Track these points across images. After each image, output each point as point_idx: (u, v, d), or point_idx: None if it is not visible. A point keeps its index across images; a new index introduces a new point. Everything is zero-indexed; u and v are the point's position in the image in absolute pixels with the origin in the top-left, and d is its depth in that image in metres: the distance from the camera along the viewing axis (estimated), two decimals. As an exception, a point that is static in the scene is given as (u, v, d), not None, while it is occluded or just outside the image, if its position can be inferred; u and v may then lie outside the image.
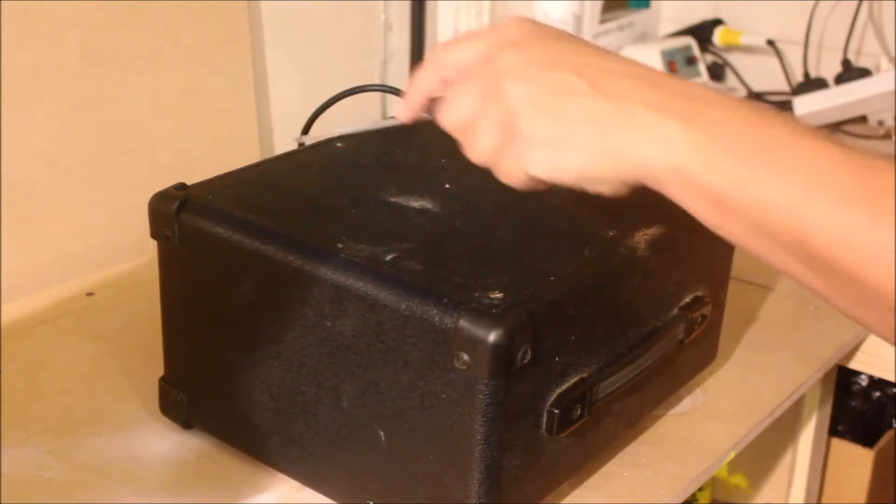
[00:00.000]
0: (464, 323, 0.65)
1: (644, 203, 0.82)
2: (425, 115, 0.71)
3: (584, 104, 0.60)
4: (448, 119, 0.66)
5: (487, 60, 0.63)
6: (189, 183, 0.81)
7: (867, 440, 1.27)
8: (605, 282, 0.74)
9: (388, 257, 0.71)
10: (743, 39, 1.63)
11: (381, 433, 0.71)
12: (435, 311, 0.66)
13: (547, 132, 0.61)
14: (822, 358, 0.99)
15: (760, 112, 0.57)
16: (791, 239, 0.54)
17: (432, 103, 0.70)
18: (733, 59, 1.69)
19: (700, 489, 1.30)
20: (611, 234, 0.76)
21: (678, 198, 0.59)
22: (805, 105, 1.50)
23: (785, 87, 1.60)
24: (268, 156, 1.05)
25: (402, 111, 0.71)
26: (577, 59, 0.61)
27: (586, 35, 1.57)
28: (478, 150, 0.65)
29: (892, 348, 1.03)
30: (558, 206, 0.81)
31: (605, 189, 0.63)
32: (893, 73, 1.48)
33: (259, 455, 0.80)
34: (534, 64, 0.62)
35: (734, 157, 0.56)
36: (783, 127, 0.56)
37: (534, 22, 0.65)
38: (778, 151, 0.55)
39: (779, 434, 1.20)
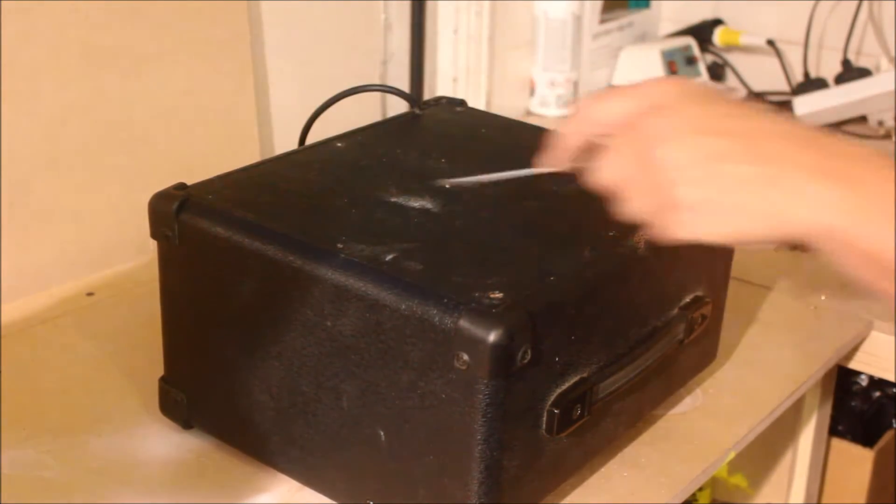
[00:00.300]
0: (464, 323, 0.65)
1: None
2: (574, 166, 0.71)
3: (738, 169, 0.60)
4: (601, 179, 0.66)
5: (639, 123, 0.63)
6: (189, 183, 0.81)
7: (867, 440, 1.27)
8: (605, 282, 0.74)
9: (388, 257, 0.71)
10: (743, 39, 1.64)
11: (381, 433, 0.71)
12: (435, 311, 0.66)
13: (702, 198, 0.61)
14: (822, 358, 0.99)
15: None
16: None
17: (580, 155, 0.70)
18: (733, 59, 1.69)
19: (700, 489, 1.30)
20: (611, 234, 0.76)
21: (835, 256, 0.60)
22: (805, 105, 1.50)
23: (785, 87, 1.60)
24: (268, 156, 1.05)
25: (549, 162, 0.72)
26: (729, 122, 0.62)
27: (586, 35, 1.57)
28: (632, 210, 0.65)
29: (892, 348, 1.03)
30: (558, 206, 0.81)
31: (758, 245, 0.63)
32: (893, 73, 1.48)
33: (259, 455, 0.80)
34: (686, 129, 0.62)
35: (888, 217, 0.57)
36: None
37: (682, 82, 0.65)
38: None
39: (779, 434, 1.20)
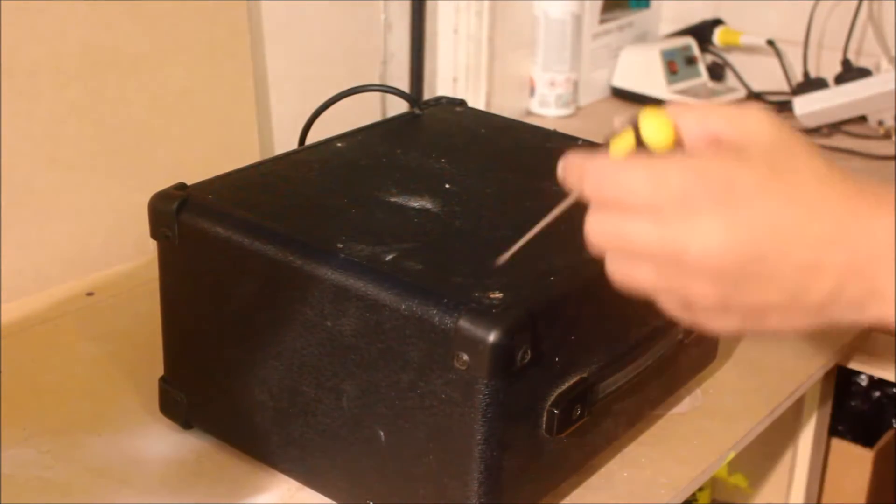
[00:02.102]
0: (464, 323, 0.65)
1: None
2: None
3: (782, 319, 0.55)
4: (624, 281, 0.59)
5: (671, 253, 0.55)
6: (189, 183, 0.81)
7: (867, 440, 1.27)
8: (605, 282, 0.74)
9: (388, 257, 0.71)
10: (743, 39, 1.64)
11: (381, 433, 0.71)
12: (435, 311, 0.66)
13: (732, 325, 0.56)
14: (822, 358, 0.99)
15: None
16: None
17: None
18: (733, 59, 1.69)
19: (700, 489, 1.30)
20: (611, 234, 0.76)
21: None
22: (805, 105, 1.50)
23: (785, 87, 1.60)
24: (268, 156, 1.05)
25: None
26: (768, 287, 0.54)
27: (586, 35, 1.57)
28: (661, 306, 0.59)
29: (893, 348, 1.03)
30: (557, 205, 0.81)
31: None
32: (893, 73, 1.48)
33: (259, 455, 0.80)
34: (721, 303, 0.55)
35: None
36: None
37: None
38: None
39: (779, 434, 1.20)
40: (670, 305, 0.58)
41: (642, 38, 1.69)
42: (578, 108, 1.60)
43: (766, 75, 1.64)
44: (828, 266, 0.53)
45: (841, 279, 0.53)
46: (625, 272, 0.58)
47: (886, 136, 1.51)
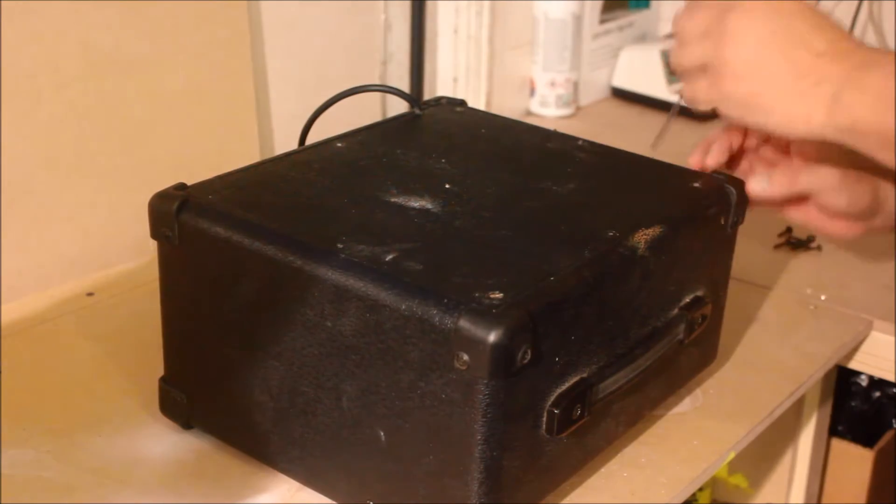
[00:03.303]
0: (464, 323, 0.65)
1: (644, 203, 0.82)
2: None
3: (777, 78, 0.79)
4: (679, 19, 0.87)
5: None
6: (189, 183, 0.81)
7: (867, 440, 1.27)
8: (605, 282, 0.74)
9: (388, 257, 0.71)
10: (743, 39, 1.63)
11: (381, 433, 0.71)
12: (435, 311, 0.66)
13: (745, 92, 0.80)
14: (822, 358, 0.99)
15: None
16: None
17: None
18: (733, 59, 1.68)
19: (700, 489, 1.30)
20: (611, 234, 0.76)
21: (853, 145, 0.76)
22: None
23: (785, 87, 1.59)
24: (268, 156, 1.05)
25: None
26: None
27: (586, 35, 1.57)
28: (680, 59, 0.86)
29: (893, 348, 1.03)
30: (558, 206, 0.81)
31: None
32: (893, 73, 1.48)
33: (259, 455, 0.80)
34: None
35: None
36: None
37: None
38: None
39: (779, 434, 1.20)
40: (695, 54, 0.84)
41: (642, 38, 1.69)
42: (578, 108, 1.60)
43: (766, 75, 1.64)
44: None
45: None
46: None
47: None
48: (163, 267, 0.81)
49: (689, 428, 0.87)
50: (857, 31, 1.56)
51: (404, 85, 1.43)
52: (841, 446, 1.26)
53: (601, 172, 0.89)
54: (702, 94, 0.83)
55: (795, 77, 0.77)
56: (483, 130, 0.96)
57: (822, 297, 1.08)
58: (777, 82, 0.78)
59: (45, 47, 1.01)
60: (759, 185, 0.88)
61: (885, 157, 0.75)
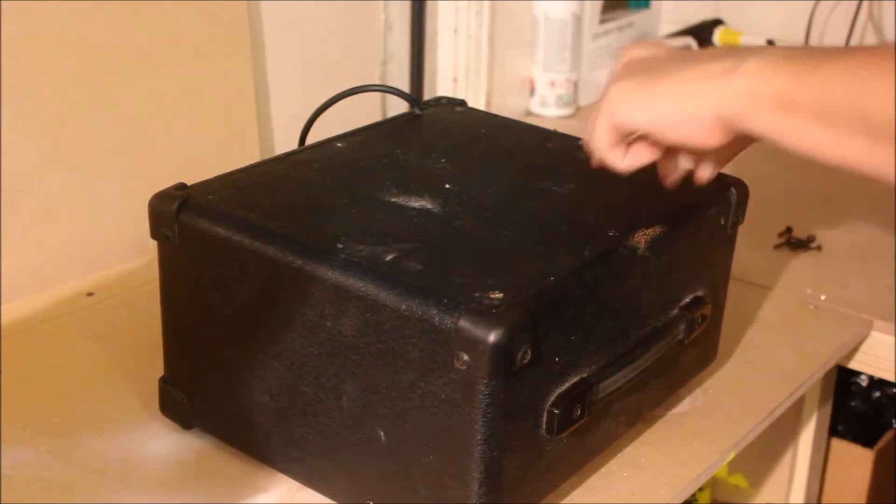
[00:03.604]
0: (464, 323, 0.65)
1: (644, 203, 0.82)
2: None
3: (661, 66, 0.72)
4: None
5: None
6: (189, 183, 0.81)
7: (867, 440, 1.27)
8: (605, 282, 0.74)
9: (388, 257, 0.71)
10: (743, 40, 1.64)
11: (381, 433, 0.71)
12: (435, 311, 0.66)
13: (627, 86, 0.73)
14: (822, 358, 0.99)
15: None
16: (856, 115, 0.63)
17: None
18: (733, 59, 1.68)
19: (700, 489, 1.30)
20: (611, 234, 0.76)
21: (750, 119, 0.68)
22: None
23: (785, 87, 1.59)
24: (268, 156, 1.05)
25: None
26: (670, 49, 0.76)
27: (586, 35, 1.57)
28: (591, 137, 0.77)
29: (893, 348, 1.03)
30: (558, 206, 0.81)
31: (694, 136, 0.72)
32: (893, 73, 1.48)
33: (259, 455, 0.80)
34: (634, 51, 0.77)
35: (796, 70, 0.65)
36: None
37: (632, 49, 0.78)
38: (826, 57, 0.65)
39: (779, 434, 1.20)
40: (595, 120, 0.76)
41: (642, 38, 1.69)
42: (578, 108, 1.60)
43: (766, 75, 1.64)
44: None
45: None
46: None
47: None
48: (163, 267, 0.81)
49: (689, 428, 0.87)
50: (857, 31, 1.56)
51: (404, 85, 1.43)
52: (841, 446, 1.26)
53: (601, 172, 0.89)
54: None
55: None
56: (483, 130, 0.96)
57: (822, 297, 1.08)
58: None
59: (45, 47, 1.01)
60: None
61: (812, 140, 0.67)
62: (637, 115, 0.72)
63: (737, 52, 0.70)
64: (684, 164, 0.79)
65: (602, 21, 1.61)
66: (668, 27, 1.72)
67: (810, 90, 0.65)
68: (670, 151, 0.78)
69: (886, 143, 0.63)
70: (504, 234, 0.76)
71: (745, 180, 0.88)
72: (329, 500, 0.77)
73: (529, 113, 1.57)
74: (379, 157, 0.88)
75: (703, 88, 0.69)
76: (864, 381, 1.31)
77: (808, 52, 0.67)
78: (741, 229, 0.88)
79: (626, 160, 0.76)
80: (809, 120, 0.65)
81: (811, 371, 0.97)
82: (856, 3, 1.52)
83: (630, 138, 0.75)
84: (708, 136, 0.70)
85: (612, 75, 0.76)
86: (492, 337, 0.64)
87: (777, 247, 1.18)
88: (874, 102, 0.62)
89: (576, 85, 1.58)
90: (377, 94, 1.38)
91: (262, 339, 0.76)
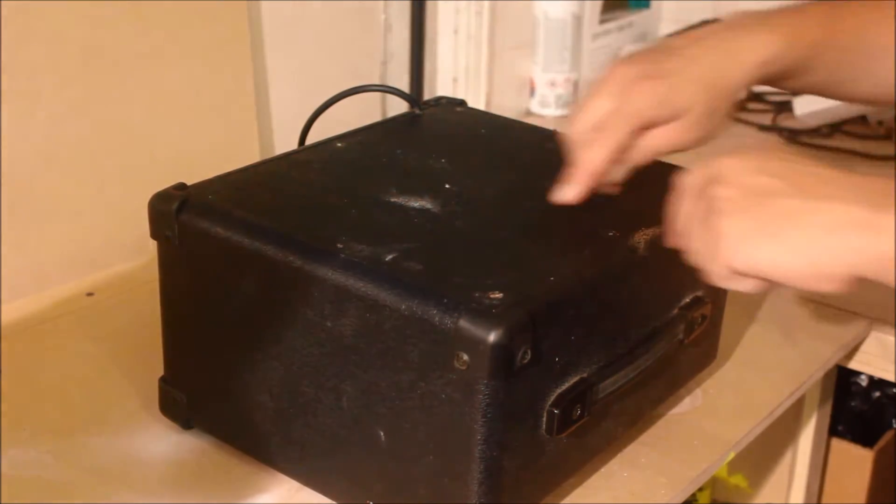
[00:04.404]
0: (464, 323, 0.65)
1: (644, 203, 0.82)
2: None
3: (783, 202, 0.63)
4: (674, 232, 0.71)
5: (703, 192, 0.68)
6: (189, 183, 0.81)
7: (867, 440, 1.27)
8: (605, 282, 0.74)
9: (388, 257, 0.71)
10: (743, 39, 1.63)
11: (381, 433, 0.71)
12: (435, 311, 0.66)
13: (747, 226, 0.64)
14: (822, 358, 0.99)
15: None
16: None
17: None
18: (733, 59, 1.68)
19: (700, 489, 1.31)
20: (611, 234, 0.76)
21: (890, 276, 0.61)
22: (805, 105, 1.50)
23: (785, 87, 1.59)
24: (268, 156, 1.05)
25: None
26: (782, 164, 0.66)
27: (586, 35, 1.57)
28: (691, 253, 0.69)
29: (892, 348, 1.03)
30: (558, 206, 0.81)
31: (822, 287, 0.64)
32: (893, 73, 1.48)
33: (259, 455, 0.80)
34: (741, 171, 0.66)
35: None
36: None
37: (741, 154, 0.68)
38: None
39: (779, 434, 1.20)
40: (699, 242, 0.68)
41: (642, 38, 1.69)
42: (578, 108, 1.60)
43: (766, 75, 1.64)
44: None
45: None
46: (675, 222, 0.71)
47: (886, 136, 1.51)
48: (163, 267, 0.81)
49: (689, 428, 0.87)
50: (857, 31, 1.55)
51: (404, 85, 1.43)
52: (841, 446, 1.26)
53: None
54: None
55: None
56: (483, 130, 0.96)
57: (822, 298, 1.08)
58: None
59: (45, 47, 1.01)
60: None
61: None
62: (761, 265, 0.64)
63: (868, 188, 0.62)
64: None
65: (602, 21, 1.61)
66: (668, 27, 1.72)
67: None
68: None
69: None
70: (504, 234, 0.76)
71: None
72: (329, 500, 0.77)
73: (529, 113, 1.57)
74: (379, 157, 0.88)
75: (837, 244, 0.62)
76: (864, 381, 1.31)
77: None
78: (741, 229, 0.88)
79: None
80: None
81: (811, 371, 0.97)
82: (856, 3, 1.51)
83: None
84: (837, 287, 0.63)
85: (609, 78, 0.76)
86: (492, 337, 0.64)
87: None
88: None
89: (576, 85, 1.58)
90: (377, 94, 1.38)
91: (262, 339, 0.76)
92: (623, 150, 0.77)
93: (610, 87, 0.77)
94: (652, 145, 0.78)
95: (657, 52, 0.80)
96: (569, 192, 0.77)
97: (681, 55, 0.78)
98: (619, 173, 0.79)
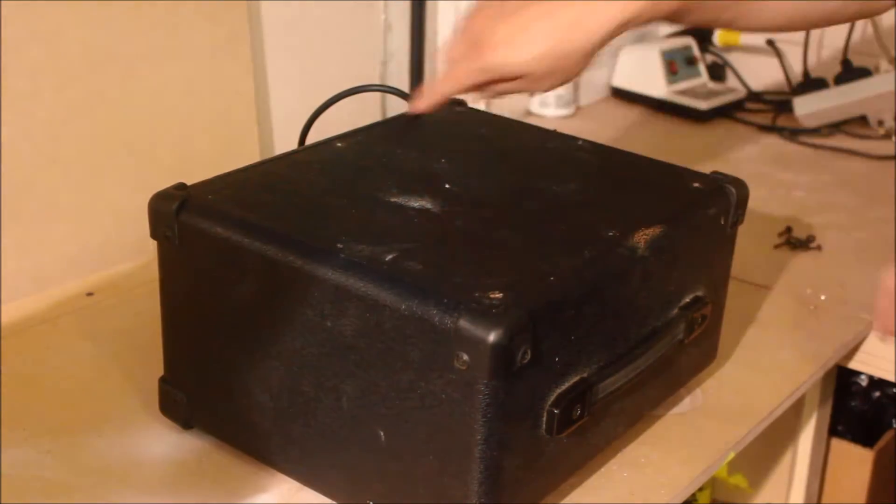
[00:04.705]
0: (464, 323, 0.65)
1: (644, 203, 0.82)
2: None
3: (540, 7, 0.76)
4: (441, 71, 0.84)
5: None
6: (189, 183, 0.81)
7: (867, 440, 1.27)
8: (605, 282, 0.74)
9: (388, 257, 0.71)
10: (743, 39, 1.64)
11: (381, 433, 0.71)
12: (435, 311, 0.66)
13: (514, 27, 0.77)
14: (822, 358, 0.99)
15: None
16: None
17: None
18: (733, 59, 1.69)
19: (700, 489, 1.30)
20: (611, 234, 0.76)
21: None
22: (805, 105, 1.51)
23: (785, 87, 1.60)
24: (268, 156, 1.05)
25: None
26: None
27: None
28: (458, 74, 0.82)
29: (893, 348, 1.03)
30: (558, 206, 0.81)
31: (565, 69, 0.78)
32: (893, 73, 1.48)
33: (259, 455, 0.80)
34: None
35: None
36: None
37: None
38: None
39: (779, 434, 1.20)
40: (465, 57, 0.81)
41: (642, 37, 1.69)
42: (578, 108, 1.60)
43: (766, 75, 1.64)
44: None
45: None
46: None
47: (886, 136, 1.51)
48: (163, 267, 0.81)
49: (689, 428, 0.87)
50: (857, 31, 1.56)
51: (404, 85, 1.43)
52: (841, 446, 1.26)
53: (601, 172, 0.89)
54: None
55: None
56: (483, 130, 0.96)
57: (822, 297, 1.08)
58: None
59: (45, 47, 1.01)
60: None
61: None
62: (520, 55, 0.77)
63: None
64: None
65: (602, 21, 1.61)
66: (668, 27, 1.72)
67: None
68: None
69: None
70: (504, 234, 0.76)
71: (745, 180, 0.88)
72: (329, 500, 0.77)
73: (529, 113, 1.57)
74: (379, 157, 0.88)
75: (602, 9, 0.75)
76: (864, 381, 1.31)
77: None
78: (741, 229, 0.88)
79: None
80: None
81: (811, 371, 0.97)
82: (856, 3, 1.51)
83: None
84: (584, 63, 0.77)
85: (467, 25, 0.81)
86: (492, 337, 0.64)
87: (777, 247, 1.18)
88: None
89: (576, 85, 1.58)
90: (377, 94, 1.38)
91: (261, 339, 0.76)
92: (473, 90, 0.84)
93: (468, 34, 0.81)
94: (500, 89, 0.83)
95: None
96: (419, 104, 0.89)
97: (539, 6, 0.79)
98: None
